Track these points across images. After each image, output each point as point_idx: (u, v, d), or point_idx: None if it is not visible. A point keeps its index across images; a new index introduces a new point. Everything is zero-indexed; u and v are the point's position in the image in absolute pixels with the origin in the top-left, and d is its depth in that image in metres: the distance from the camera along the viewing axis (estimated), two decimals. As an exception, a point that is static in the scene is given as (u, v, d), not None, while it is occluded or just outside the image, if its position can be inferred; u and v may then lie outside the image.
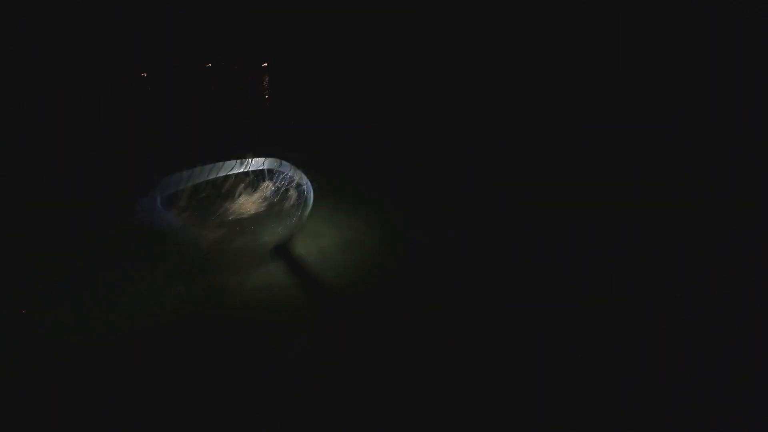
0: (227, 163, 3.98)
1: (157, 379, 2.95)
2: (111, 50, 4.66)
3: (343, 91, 5.13)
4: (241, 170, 4.01)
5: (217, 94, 4.89)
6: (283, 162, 4.11)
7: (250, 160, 3.99)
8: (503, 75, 5.13)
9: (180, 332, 3.25)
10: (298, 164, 4.15)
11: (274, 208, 3.92)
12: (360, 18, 4.98)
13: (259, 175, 4.07)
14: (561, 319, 3.31)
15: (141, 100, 4.75)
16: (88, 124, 4.72)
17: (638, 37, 4.92)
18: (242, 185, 4.01)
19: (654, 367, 3.01)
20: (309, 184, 3.99)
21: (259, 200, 3.96)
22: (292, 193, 4.01)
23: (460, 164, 4.76)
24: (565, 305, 3.41)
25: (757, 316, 3.30)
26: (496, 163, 4.71)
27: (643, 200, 4.25)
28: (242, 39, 4.91)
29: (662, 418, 2.74)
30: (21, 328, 3.28)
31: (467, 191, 4.48)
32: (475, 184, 4.55)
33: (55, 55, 4.49)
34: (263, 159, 4.07)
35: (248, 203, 3.90)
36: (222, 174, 3.97)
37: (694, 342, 3.15)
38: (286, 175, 4.08)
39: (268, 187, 4.02)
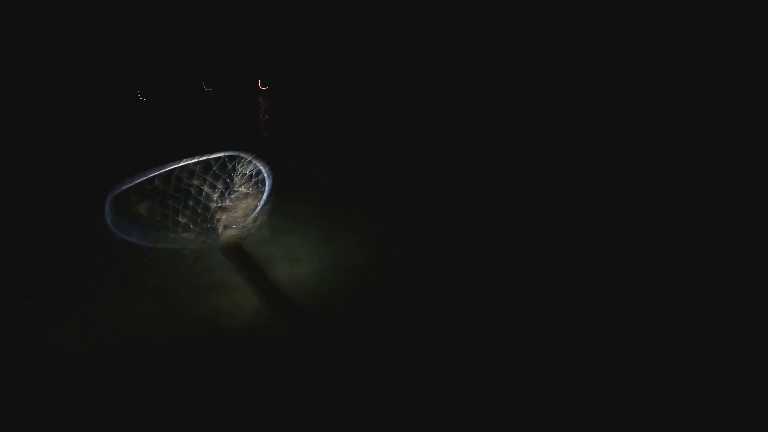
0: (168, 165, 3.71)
1: (156, 380, 2.95)
2: (111, 51, 4.65)
3: (333, 93, 5.12)
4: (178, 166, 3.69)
5: (216, 95, 4.87)
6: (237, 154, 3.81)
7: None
8: (500, 74, 5.12)
9: (179, 334, 3.25)
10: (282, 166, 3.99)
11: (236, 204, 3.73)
12: (352, 19, 4.98)
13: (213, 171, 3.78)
14: (561, 319, 3.31)
15: (141, 101, 4.74)
16: (88, 124, 4.72)
17: (638, 37, 4.91)
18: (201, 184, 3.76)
19: (654, 367, 3.01)
20: (265, 173, 3.73)
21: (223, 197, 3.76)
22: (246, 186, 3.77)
23: (457, 165, 4.76)
24: (565, 305, 3.41)
25: (757, 316, 3.30)
26: (494, 163, 4.70)
27: (643, 200, 4.24)
28: (243, 40, 4.90)
29: (662, 418, 2.74)
30: (21, 329, 3.28)
31: (465, 192, 4.47)
32: (473, 184, 4.55)
33: (55, 55, 4.49)
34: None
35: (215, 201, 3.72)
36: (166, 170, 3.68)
37: (694, 342, 3.15)
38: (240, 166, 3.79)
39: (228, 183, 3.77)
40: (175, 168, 3.72)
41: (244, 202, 3.78)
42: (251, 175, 3.80)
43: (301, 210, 4.18)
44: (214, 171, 3.76)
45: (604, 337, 3.19)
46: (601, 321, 3.31)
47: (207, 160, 3.76)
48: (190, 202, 3.72)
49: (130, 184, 3.60)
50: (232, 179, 3.81)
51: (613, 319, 3.32)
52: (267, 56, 4.90)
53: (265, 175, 3.74)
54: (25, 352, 3.12)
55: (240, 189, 3.80)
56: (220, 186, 3.78)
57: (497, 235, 4.05)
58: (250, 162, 3.79)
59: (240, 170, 3.82)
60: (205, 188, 3.76)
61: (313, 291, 3.55)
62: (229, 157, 3.79)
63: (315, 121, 4.99)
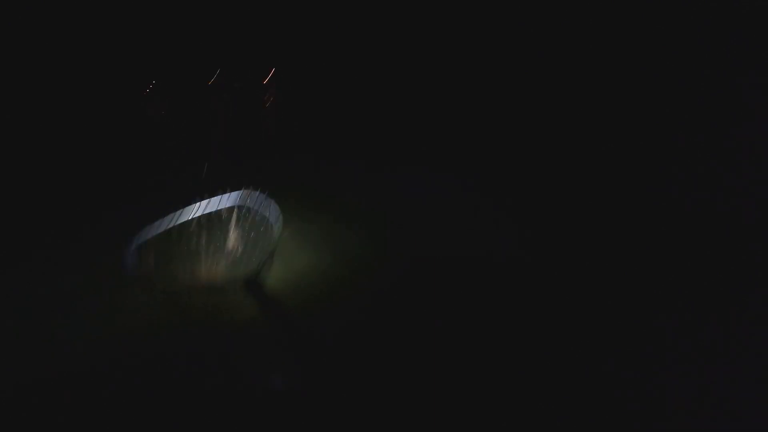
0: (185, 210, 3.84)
1: (151, 385, 2.95)
2: (113, 54, 4.67)
3: (337, 88, 5.12)
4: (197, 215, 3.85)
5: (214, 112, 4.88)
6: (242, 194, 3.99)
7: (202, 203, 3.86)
8: (495, 72, 5.13)
9: (175, 332, 3.25)
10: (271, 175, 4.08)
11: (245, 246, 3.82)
12: (356, 15, 4.99)
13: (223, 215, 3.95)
14: (559, 320, 3.31)
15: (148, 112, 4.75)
16: (88, 125, 4.73)
17: (638, 37, 4.92)
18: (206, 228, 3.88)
19: (653, 367, 3.00)
20: (276, 211, 3.88)
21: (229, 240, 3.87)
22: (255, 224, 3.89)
23: (454, 165, 4.76)
24: (564, 306, 3.41)
25: (757, 316, 3.29)
26: (492, 163, 4.71)
27: (642, 200, 4.25)
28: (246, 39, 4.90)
29: (661, 418, 2.73)
30: (20, 331, 3.28)
31: (461, 193, 4.48)
32: (472, 184, 4.55)
33: (55, 54, 4.51)
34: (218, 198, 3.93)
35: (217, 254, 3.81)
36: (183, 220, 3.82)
37: (694, 342, 3.14)
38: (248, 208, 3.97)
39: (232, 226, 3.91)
40: (189, 220, 3.83)
41: (253, 243, 3.84)
42: (261, 218, 3.91)
43: (303, 205, 4.19)
44: (227, 217, 3.91)
45: (604, 338, 3.19)
46: (600, 321, 3.31)
47: (219, 210, 3.91)
48: (205, 247, 3.80)
49: (150, 237, 3.69)
50: (240, 224, 3.94)
51: (612, 320, 3.32)
52: (271, 53, 4.91)
53: (274, 220, 3.85)
54: (23, 357, 3.13)
55: (248, 232, 3.89)
56: (230, 230, 3.90)
57: (494, 235, 4.05)
58: (260, 207, 3.94)
59: (250, 215, 3.95)
60: (217, 233, 3.87)
61: (314, 287, 3.56)
62: (239, 205, 3.94)
63: (319, 117, 5.00)
